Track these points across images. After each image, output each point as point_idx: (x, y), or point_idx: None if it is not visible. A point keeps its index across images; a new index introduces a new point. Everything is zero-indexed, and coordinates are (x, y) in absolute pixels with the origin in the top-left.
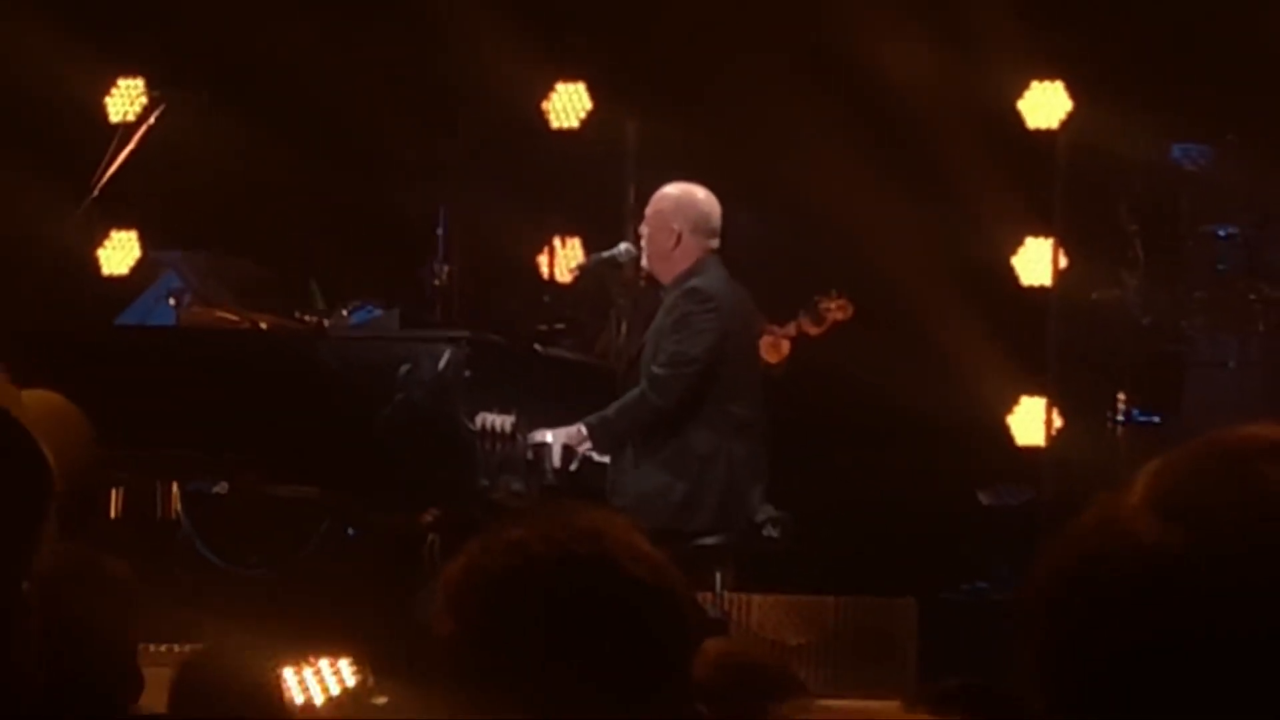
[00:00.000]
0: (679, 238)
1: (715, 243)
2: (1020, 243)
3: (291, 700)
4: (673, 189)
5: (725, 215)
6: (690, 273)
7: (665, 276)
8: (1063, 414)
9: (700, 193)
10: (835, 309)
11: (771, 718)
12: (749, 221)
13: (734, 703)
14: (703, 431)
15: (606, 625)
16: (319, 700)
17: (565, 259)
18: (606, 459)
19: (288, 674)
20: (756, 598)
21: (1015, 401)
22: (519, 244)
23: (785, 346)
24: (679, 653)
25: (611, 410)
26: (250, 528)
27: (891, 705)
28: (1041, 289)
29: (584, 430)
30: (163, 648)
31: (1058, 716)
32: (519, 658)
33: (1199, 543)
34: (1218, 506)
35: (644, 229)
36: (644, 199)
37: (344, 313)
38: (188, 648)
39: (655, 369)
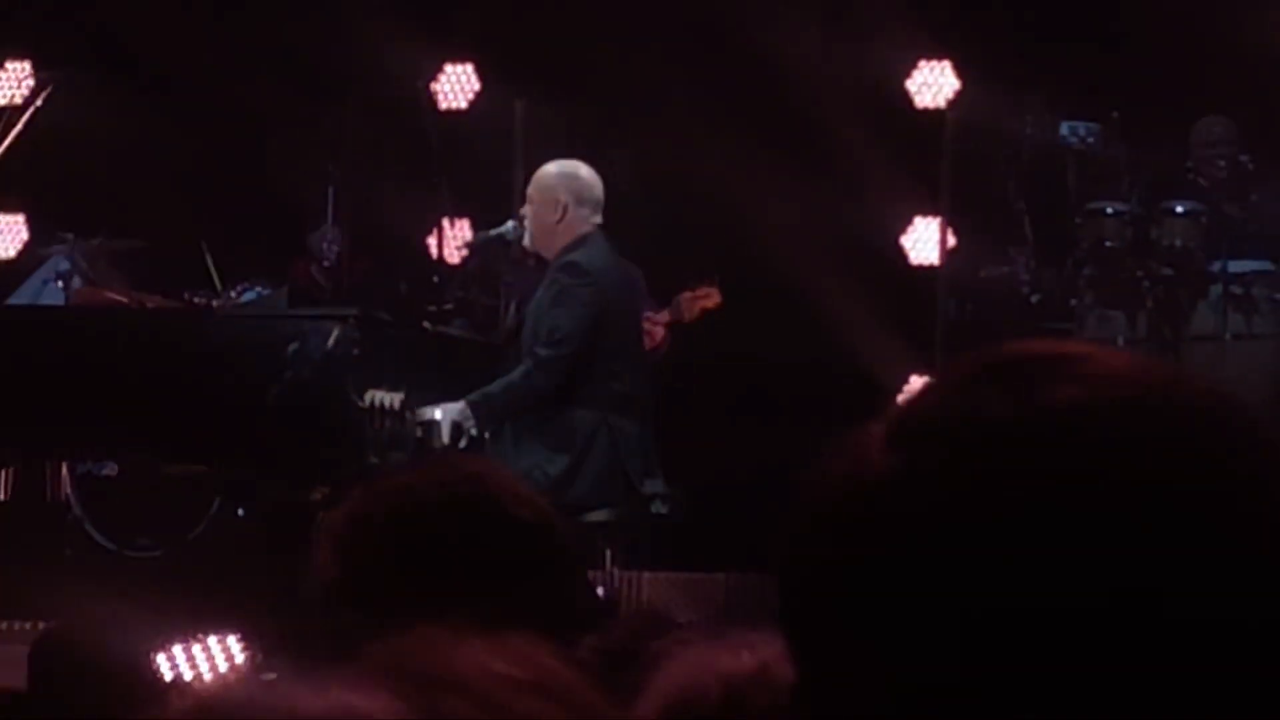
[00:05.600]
0: (564, 209)
1: (598, 218)
2: (909, 222)
3: (167, 679)
4: (554, 165)
5: (611, 195)
6: (572, 247)
7: (550, 252)
8: None
9: (583, 168)
10: (698, 299)
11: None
12: (636, 202)
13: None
14: (584, 408)
15: (493, 565)
16: (207, 677)
17: (454, 239)
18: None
19: (177, 651)
20: (646, 575)
21: (905, 380)
22: (408, 224)
23: (659, 333)
24: (565, 588)
25: (496, 387)
26: (141, 509)
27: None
28: (930, 268)
29: (467, 408)
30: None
31: (792, 644)
32: (406, 601)
33: (909, 469)
34: (930, 430)
35: (527, 208)
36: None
37: (233, 293)
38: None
39: (539, 349)
